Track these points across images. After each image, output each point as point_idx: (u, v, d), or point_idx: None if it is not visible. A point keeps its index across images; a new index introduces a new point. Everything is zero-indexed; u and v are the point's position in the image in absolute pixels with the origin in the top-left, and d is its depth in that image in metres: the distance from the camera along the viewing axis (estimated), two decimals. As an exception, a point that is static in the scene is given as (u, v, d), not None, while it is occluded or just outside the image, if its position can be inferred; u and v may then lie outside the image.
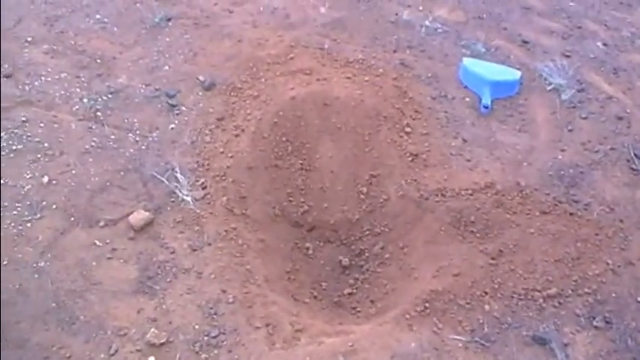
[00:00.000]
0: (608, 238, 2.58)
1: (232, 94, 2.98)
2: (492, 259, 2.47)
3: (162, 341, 2.12)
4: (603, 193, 2.78)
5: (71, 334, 2.13)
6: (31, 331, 2.12)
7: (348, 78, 3.08)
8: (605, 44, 3.73)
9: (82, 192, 2.52)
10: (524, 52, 3.57)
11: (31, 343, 2.09)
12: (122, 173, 2.60)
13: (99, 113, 2.84)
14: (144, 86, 2.99)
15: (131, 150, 2.70)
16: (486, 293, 2.35)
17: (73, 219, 2.45)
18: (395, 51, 3.40)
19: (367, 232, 2.82)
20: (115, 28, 3.33)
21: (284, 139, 2.85)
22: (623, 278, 2.45)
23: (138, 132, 2.78)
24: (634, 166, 2.93)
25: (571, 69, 3.39)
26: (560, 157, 2.93)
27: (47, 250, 2.34)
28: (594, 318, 2.32)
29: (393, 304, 2.48)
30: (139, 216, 2.44)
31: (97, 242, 2.39)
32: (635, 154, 2.97)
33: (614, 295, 2.39)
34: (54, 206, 2.47)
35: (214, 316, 2.21)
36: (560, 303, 2.34)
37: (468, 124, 3.04)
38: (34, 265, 2.28)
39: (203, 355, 2.10)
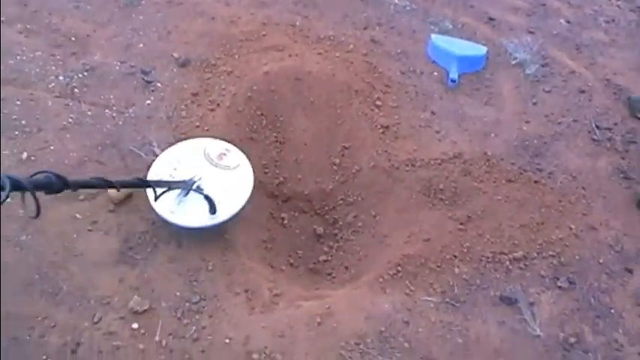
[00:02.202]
0: (570, 205, 2.70)
1: (206, 70, 3.03)
2: (461, 224, 2.57)
3: (144, 308, 2.17)
4: (566, 163, 2.90)
5: (55, 305, 2.17)
6: (15, 303, 2.14)
7: (320, 54, 3.15)
8: (568, 21, 3.86)
9: (60, 167, 2.53)
10: (490, 29, 3.67)
11: (16, 315, 2.12)
12: (100, 148, 2.63)
13: (75, 90, 2.86)
14: (119, 63, 3.01)
15: (108, 126, 2.73)
16: (456, 257, 2.45)
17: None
18: (365, 28, 3.48)
19: (340, 202, 2.90)
20: (89, 7, 3.33)
21: (258, 112, 2.90)
22: (585, 242, 2.58)
23: (115, 108, 2.81)
24: (595, 137, 3.05)
25: (535, 45, 3.50)
26: (524, 128, 3.04)
27: (28, 225, 2.36)
28: (558, 279, 2.44)
29: (366, 269, 2.57)
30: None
31: (78, 215, 2.42)
32: (596, 126, 3.10)
33: (577, 257, 2.52)
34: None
35: (195, 284, 2.27)
36: (525, 265, 2.46)
37: (436, 97, 3.13)
38: (16, 238, 2.31)
39: (185, 321, 2.16)
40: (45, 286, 2.22)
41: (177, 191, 2.39)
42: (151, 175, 2.47)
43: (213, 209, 2.39)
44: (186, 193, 2.41)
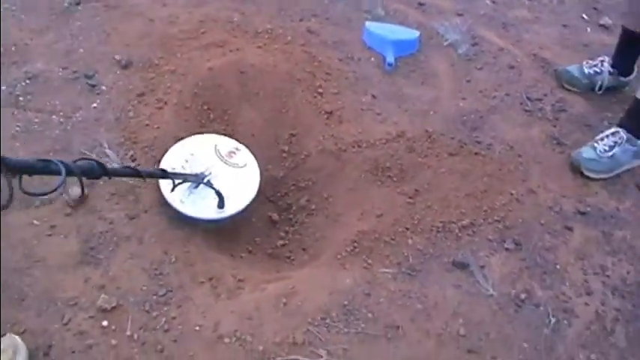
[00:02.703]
0: (510, 172, 2.85)
1: (150, 70, 3.06)
2: (410, 198, 2.69)
3: (112, 305, 2.20)
4: (503, 134, 3.05)
5: (22, 310, 2.18)
6: (-21, 313, 2.14)
7: (260, 47, 3.21)
8: (493, 2, 4.04)
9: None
10: (421, 14, 3.81)
11: (-16, 323, 2.11)
12: (51, 154, 2.63)
13: (20, 99, 2.84)
14: (61, 69, 3.01)
15: (57, 131, 2.73)
16: (408, 229, 2.57)
17: (7, 202, 2.48)
18: (301, 20, 3.56)
19: (292, 188, 2.98)
20: (23, 16, 3.31)
21: (205, 107, 2.95)
22: (526, 205, 2.73)
23: (61, 113, 2.81)
24: (527, 108, 3.22)
25: (464, 26, 3.66)
26: (461, 104, 3.18)
27: (-16, 235, 2.36)
28: (505, 241, 2.57)
29: (324, 249, 2.66)
30: (73, 192, 2.50)
31: (35, 221, 2.42)
32: (527, 98, 3.27)
33: (520, 220, 2.66)
34: (-5, 197, 2.49)
35: (159, 277, 2.31)
36: (473, 232, 2.59)
37: (375, 81, 3.25)
38: (-27, 250, 2.29)
39: (154, 313, 2.20)
40: (10, 293, 2.22)
41: (188, 183, 2.55)
42: (164, 166, 2.60)
43: (221, 203, 2.54)
44: (197, 186, 2.57)
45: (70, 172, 1.48)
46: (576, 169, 2.89)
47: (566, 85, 3.37)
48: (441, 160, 2.85)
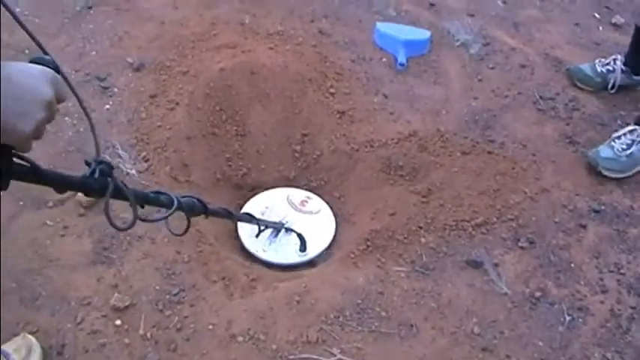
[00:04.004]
0: (523, 171, 2.83)
1: (162, 72, 3.07)
2: (423, 197, 2.68)
3: (126, 304, 2.21)
4: (515, 132, 3.03)
5: (35, 310, 2.19)
6: (-5, 312, 2.15)
7: (271, 48, 3.22)
8: (504, 2, 4.02)
9: (27, 177, 2.55)
10: (432, 14, 3.80)
11: (-4, 325, 2.13)
12: (64, 155, 2.66)
13: (33, 101, 2.86)
14: (74, 72, 3.02)
15: (70, 133, 2.75)
16: (421, 227, 2.56)
17: (21, 203, 2.49)
18: (312, 21, 3.57)
19: (304, 187, 2.99)
20: (37, 20, 3.34)
21: (217, 108, 2.95)
22: (540, 204, 2.71)
23: (75, 115, 2.82)
24: (539, 107, 3.20)
25: (476, 26, 3.64)
26: (473, 104, 3.17)
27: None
28: (519, 240, 2.56)
29: (336, 247, 2.66)
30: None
31: (48, 222, 2.44)
32: (540, 96, 3.25)
33: (533, 218, 2.64)
34: (0, 192, 2.49)
35: (172, 276, 2.32)
36: (487, 230, 2.58)
37: (386, 81, 3.24)
38: (-13, 251, 2.30)
39: (167, 312, 2.21)
40: (23, 293, 2.24)
41: (267, 233, 2.67)
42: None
43: (304, 247, 2.65)
44: (276, 234, 2.71)
45: (179, 209, 1.52)
46: (593, 169, 2.85)
47: (578, 84, 3.34)
48: (453, 159, 2.83)
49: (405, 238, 2.52)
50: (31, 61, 1.02)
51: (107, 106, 2.89)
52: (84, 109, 1.20)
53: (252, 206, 2.82)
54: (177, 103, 2.90)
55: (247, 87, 3.03)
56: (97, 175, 1.17)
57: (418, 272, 2.41)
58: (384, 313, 2.26)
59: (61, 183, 1.12)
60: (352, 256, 2.46)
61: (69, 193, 2.51)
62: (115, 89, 2.98)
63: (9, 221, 2.43)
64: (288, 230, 2.70)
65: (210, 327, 2.18)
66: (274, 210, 2.82)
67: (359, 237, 2.55)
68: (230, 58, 3.08)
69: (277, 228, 2.71)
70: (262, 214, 2.77)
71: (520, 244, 2.55)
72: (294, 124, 3.05)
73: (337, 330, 2.20)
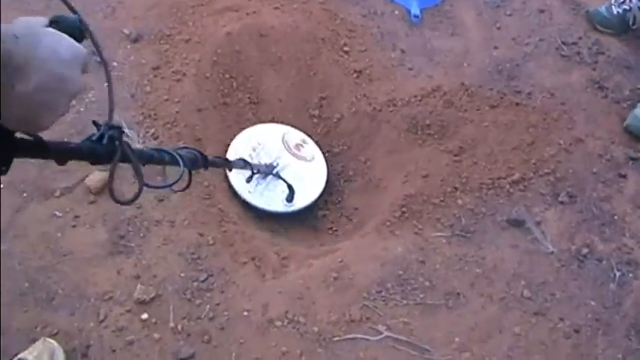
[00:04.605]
0: (555, 121, 2.68)
1: (162, 42, 2.84)
2: (455, 156, 2.52)
3: (151, 296, 2.04)
4: (542, 81, 2.86)
5: (53, 310, 2.02)
6: (9, 317, 1.98)
7: (277, 8, 3.00)
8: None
9: (28, 166, 2.35)
10: (442, -39, 3.59)
11: (13, 329, 1.96)
12: (66, 139, 2.45)
13: (26, 82, 2.66)
14: (67, 48, 2.82)
15: (70, 114, 2.55)
16: (456, 189, 2.41)
17: (25, 194, 2.30)
18: (317, -23, 3.35)
19: (327, 154, 2.81)
20: (21, -4, 3.11)
21: (227, 76, 2.76)
22: (575, 155, 2.56)
23: (74, 95, 2.63)
24: (563, 53, 3.03)
25: (488, -28, 3.44)
26: (494, 54, 2.99)
27: (6, 231, 2.18)
28: (559, 194, 2.42)
29: (368, 216, 2.50)
30: (95, 177, 2.31)
31: (57, 213, 2.25)
32: (562, 42, 3.07)
33: (571, 171, 2.50)
34: (1, 185, 2.32)
35: (198, 261, 2.15)
36: (525, 186, 2.43)
37: (402, 35, 3.04)
38: (-5, 248, 2.12)
39: (197, 301, 2.05)
40: (38, 293, 2.05)
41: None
42: (231, 153, 2.56)
43: (291, 197, 2.51)
44: (265, 177, 2.54)
45: (184, 164, 1.40)
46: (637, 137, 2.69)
47: (599, 27, 3.17)
48: (482, 114, 2.67)
49: (442, 201, 2.37)
50: (52, 21, 0.91)
51: (106, 83, 2.68)
52: (105, 67, 1.14)
53: (244, 141, 2.67)
54: (183, 74, 2.69)
55: (257, 51, 2.83)
56: (105, 140, 1.05)
57: (458, 236, 2.27)
58: (427, 283, 2.13)
59: (68, 153, 1.01)
60: (388, 224, 2.31)
61: (75, 180, 2.36)
62: (114, 63, 2.75)
63: (14, 215, 2.23)
64: (279, 177, 2.57)
65: (245, 313, 2.02)
66: (267, 148, 2.67)
67: (392, 203, 2.40)
68: (235, 22, 2.87)
69: (268, 173, 2.57)
70: (254, 149, 2.64)
71: (560, 198, 2.41)
72: (310, 88, 2.86)
73: (381, 305, 2.06)
